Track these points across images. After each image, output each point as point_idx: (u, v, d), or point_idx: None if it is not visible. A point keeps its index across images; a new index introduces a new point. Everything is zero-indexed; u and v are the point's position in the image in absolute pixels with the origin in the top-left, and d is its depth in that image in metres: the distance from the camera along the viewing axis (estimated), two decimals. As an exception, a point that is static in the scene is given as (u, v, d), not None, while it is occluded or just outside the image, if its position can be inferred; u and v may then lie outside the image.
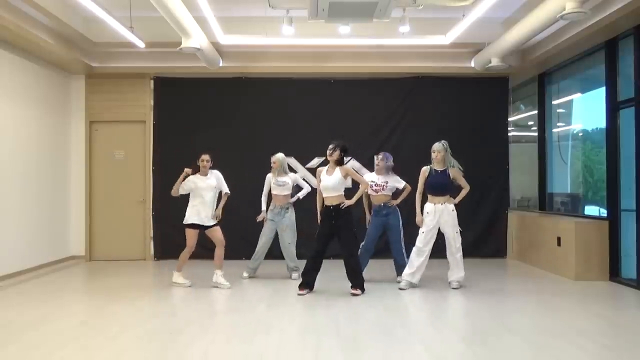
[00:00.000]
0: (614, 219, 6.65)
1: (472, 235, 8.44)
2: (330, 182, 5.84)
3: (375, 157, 6.86)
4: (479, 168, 8.32)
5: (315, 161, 8.52)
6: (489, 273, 7.28)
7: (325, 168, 6.04)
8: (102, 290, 6.19)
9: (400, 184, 6.61)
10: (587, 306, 5.42)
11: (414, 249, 6.15)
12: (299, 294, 5.79)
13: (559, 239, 7.06)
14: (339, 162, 5.97)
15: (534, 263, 7.77)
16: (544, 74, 8.27)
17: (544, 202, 8.27)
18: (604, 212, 6.93)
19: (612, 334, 4.53)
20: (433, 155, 6.15)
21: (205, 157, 6.35)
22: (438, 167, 6.14)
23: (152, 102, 8.61)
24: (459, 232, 6.22)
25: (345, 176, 5.95)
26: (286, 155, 8.44)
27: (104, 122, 8.66)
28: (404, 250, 6.48)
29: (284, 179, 6.72)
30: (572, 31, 6.68)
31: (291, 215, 6.75)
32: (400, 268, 6.43)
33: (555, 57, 7.50)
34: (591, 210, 7.44)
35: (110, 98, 8.59)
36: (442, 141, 6.18)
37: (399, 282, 6.30)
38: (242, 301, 5.60)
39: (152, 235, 8.53)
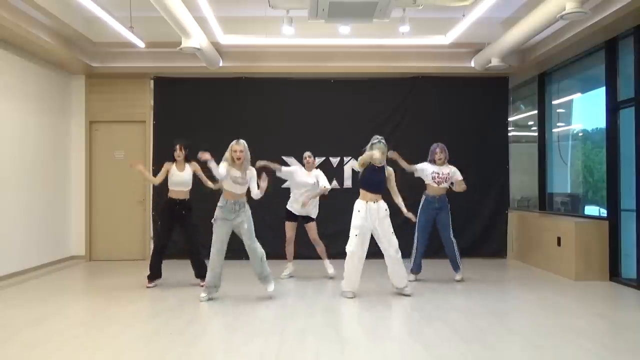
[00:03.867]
0: (614, 219, 6.65)
1: (472, 235, 8.46)
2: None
3: (434, 150, 6.57)
4: (479, 168, 8.33)
5: (315, 161, 8.52)
6: (489, 273, 7.28)
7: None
8: (102, 290, 6.19)
9: (459, 175, 6.57)
10: (587, 306, 5.42)
11: (348, 256, 5.57)
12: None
13: (559, 239, 7.06)
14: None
15: (534, 263, 7.77)
16: (544, 74, 8.27)
17: (544, 202, 8.27)
18: (604, 212, 6.93)
19: (612, 334, 4.53)
20: (378, 152, 5.57)
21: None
22: (378, 164, 5.65)
23: (152, 102, 8.62)
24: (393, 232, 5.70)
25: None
26: (286, 155, 8.50)
27: (104, 122, 8.66)
28: (455, 246, 6.55)
29: (244, 176, 5.51)
30: (572, 31, 6.68)
31: (248, 211, 5.64)
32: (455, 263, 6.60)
33: (555, 57, 7.50)
34: (591, 210, 7.44)
35: (110, 98, 8.59)
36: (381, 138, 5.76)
37: (458, 280, 6.56)
38: (241, 302, 5.59)
39: (152, 235, 8.52)
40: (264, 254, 5.66)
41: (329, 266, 6.87)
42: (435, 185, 6.50)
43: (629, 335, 4.41)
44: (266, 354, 3.86)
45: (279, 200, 7.03)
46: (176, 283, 6.44)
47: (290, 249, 6.93)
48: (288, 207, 6.85)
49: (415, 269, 6.63)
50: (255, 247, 5.58)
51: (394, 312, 5.21)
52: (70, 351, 3.97)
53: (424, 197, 6.61)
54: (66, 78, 8.42)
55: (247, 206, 5.62)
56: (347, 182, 8.52)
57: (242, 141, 5.53)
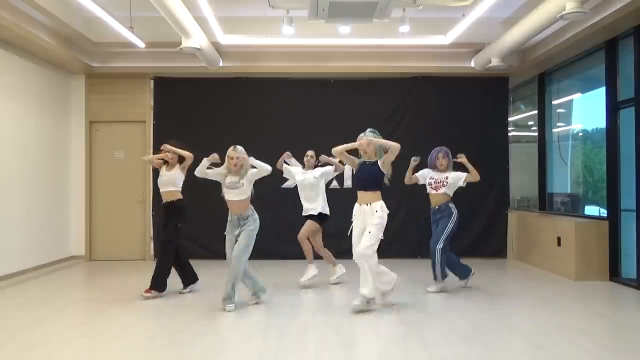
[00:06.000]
0: (614, 219, 6.65)
1: (472, 235, 8.46)
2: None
3: (434, 155, 6.09)
4: (479, 168, 8.29)
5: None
6: (489, 273, 7.28)
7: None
8: (102, 291, 6.19)
9: (462, 175, 5.93)
10: (587, 306, 5.42)
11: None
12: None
13: (559, 239, 7.06)
14: None
15: (534, 263, 7.77)
16: (544, 74, 8.28)
17: (544, 202, 8.27)
18: (604, 212, 6.93)
19: (612, 334, 4.54)
20: (361, 149, 5.20)
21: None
22: (368, 159, 5.23)
23: (152, 102, 8.62)
24: (379, 238, 5.04)
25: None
26: (286, 155, 8.50)
27: (104, 122, 8.66)
28: (439, 252, 5.87)
29: (240, 179, 5.25)
30: (572, 31, 6.68)
31: (251, 225, 5.26)
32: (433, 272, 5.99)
33: (555, 57, 7.50)
34: (591, 210, 7.44)
35: (110, 98, 8.60)
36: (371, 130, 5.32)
37: (431, 291, 6.00)
38: (240, 302, 5.59)
39: (152, 235, 8.53)
40: (238, 275, 5.19)
41: (335, 271, 6.58)
42: (434, 191, 5.97)
43: (628, 335, 4.41)
44: (266, 354, 3.87)
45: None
46: (175, 283, 6.43)
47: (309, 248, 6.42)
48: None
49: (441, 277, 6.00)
50: (236, 258, 5.12)
51: (394, 311, 5.20)
52: (70, 351, 3.97)
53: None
54: (66, 78, 8.42)
55: (252, 220, 5.26)
56: (347, 182, 8.51)
57: (239, 147, 5.28)
